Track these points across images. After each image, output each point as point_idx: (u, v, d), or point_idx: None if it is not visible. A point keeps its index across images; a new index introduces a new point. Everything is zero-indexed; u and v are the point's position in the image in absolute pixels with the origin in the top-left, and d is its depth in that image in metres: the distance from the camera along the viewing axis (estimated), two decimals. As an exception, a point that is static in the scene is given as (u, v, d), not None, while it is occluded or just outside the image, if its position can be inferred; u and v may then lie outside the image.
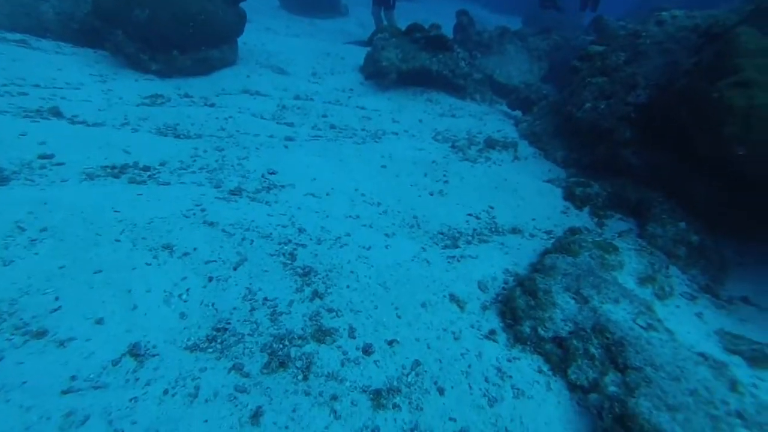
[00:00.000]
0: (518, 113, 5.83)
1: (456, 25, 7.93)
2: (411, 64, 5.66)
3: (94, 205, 2.38)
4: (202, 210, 2.60)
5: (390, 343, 2.04)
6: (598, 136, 4.14)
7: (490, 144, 4.44)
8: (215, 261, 2.25)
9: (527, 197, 3.74)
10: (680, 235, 3.33)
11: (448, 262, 2.67)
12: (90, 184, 2.69)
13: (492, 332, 2.25)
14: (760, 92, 2.98)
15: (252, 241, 2.43)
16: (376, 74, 5.70)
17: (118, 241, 2.19)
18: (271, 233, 2.55)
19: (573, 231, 3.41)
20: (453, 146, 4.34)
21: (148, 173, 3.01)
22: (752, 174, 2.94)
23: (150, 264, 2.11)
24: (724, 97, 3.07)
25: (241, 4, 5.68)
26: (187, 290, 2.05)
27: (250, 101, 4.62)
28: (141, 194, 2.64)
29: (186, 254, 2.23)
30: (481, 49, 7.57)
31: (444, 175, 3.70)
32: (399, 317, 2.19)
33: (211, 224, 2.48)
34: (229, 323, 1.96)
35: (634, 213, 3.74)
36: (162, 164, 3.18)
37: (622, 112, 4.05)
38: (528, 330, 2.27)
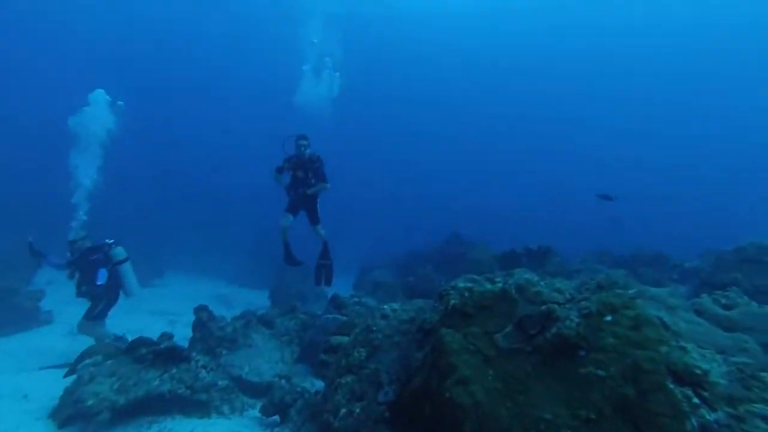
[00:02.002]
0: (276, 418, 5.35)
1: (195, 322, 7.60)
2: (133, 392, 4.74)
3: None
4: None
5: None
6: (362, 446, 3.96)
7: (245, 490, 3.65)
8: None
9: None
10: None
11: None
12: None
13: None
14: (477, 388, 3.44)
15: None
16: (77, 417, 4.46)
17: None
18: None
19: None
20: None
21: None
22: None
23: None
24: (453, 396, 3.42)
25: None
26: None
27: None
28: None
29: None
30: (226, 345, 7.26)
31: None
32: None
33: None
34: None
35: None
36: None
37: (377, 413, 4.09)
38: None
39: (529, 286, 4.08)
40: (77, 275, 6.98)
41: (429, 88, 39.47)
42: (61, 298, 8.65)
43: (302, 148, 7.99)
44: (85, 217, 7.47)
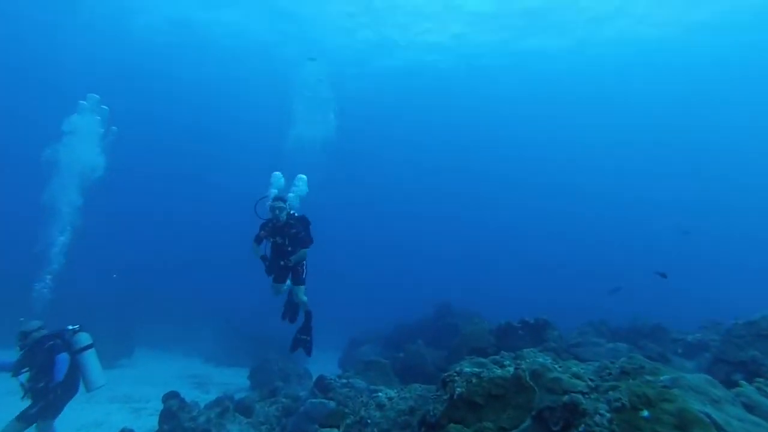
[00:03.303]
0: None
1: (163, 412, 6.82)
2: None
3: None
4: None
5: None
6: None
7: None
8: None
9: None
10: None
11: None
12: None
13: None
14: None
15: None
16: None
17: None
18: None
19: None
20: None
21: None
22: None
23: None
24: None
25: None
26: None
27: None
28: None
29: None
30: (197, 437, 6.46)
31: None
32: None
33: None
34: None
35: None
36: None
37: None
38: None
39: (545, 371, 3.66)
40: (28, 372, 5.73)
41: (416, 156, 40.35)
42: (5, 388, 6.92)
43: (277, 212, 6.96)
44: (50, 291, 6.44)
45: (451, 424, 3.48)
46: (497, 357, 4.25)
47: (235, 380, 13.78)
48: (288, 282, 7.64)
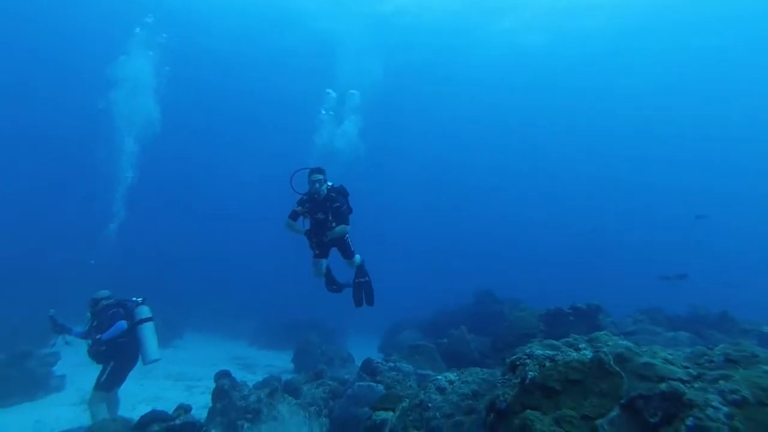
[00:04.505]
0: None
1: (216, 390, 6.76)
2: (139, 483, 3.86)
3: None
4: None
5: None
6: None
7: None
8: None
9: None
10: None
11: None
12: None
13: None
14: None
15: None
16: None
17: None
18: None
19: None
20: None
21: None
22: None
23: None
24: None
25: None
26: None
27: None
28: None
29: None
30: (248, 417, 6.36)
31: None
32: None
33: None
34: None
35: None
36: None
37: None
38: None
39: (633, 355, 3.23)
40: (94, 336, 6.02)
41: (461, 146, 39.43)
42: (79, 360, 7.45)
43: (317, 185, 6.34)
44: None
45: (528, 411, 3.10)
46: (570, 339, 3.84)
47: (278, 363, 13.87)
48: (326, 262, 7.15)
